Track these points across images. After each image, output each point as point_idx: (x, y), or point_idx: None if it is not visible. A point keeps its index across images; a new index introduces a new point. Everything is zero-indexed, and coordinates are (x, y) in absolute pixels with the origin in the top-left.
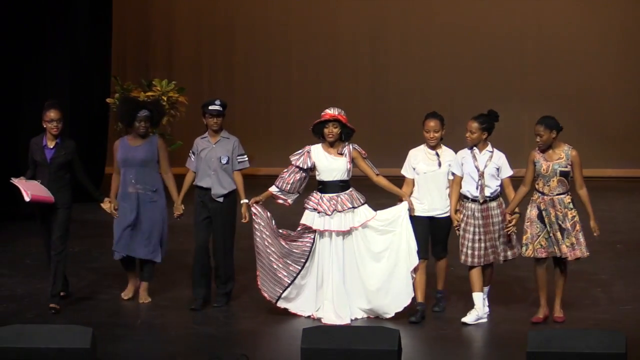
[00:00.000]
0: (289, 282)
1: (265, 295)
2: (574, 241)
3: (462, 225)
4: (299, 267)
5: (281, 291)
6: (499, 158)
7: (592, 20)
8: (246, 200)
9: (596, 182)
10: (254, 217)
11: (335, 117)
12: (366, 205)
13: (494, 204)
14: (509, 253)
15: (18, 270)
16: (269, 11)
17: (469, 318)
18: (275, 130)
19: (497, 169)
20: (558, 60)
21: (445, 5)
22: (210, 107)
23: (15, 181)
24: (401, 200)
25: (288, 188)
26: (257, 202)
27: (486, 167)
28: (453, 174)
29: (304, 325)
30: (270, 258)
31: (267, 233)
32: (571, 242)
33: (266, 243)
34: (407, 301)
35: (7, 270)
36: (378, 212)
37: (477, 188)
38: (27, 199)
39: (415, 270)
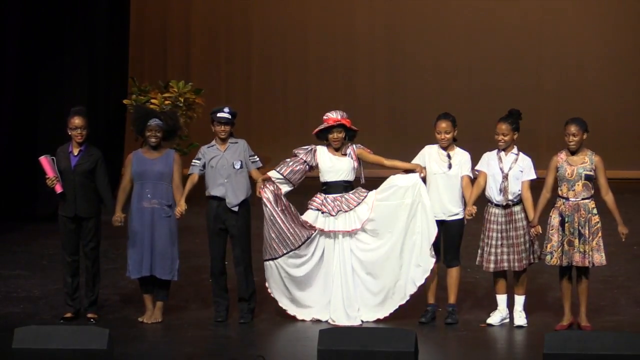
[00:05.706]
0: (269, 258)
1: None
2: (595, 246)
3: (484, 230)
4: (285, 251)
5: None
6: (524, 160)
7: (608, 20)
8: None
9: (612, 184)
10: (264, 200)
11: (339, 122)
12: (371, 193)
13: (517, 208)
14: (532, 256)
15: (35, 271)
16: (286, 12)
17: (493, 319)
18: (292, 131)
19: (522, 172)
20: (576, 60)
21: (462, 5)
22: (218, 115)
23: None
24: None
25: (289, 175)
26: (265, 185)
27: (511, 169)
28: (478, 171)
29: (320, 327)
30: (270, 231)
31: (275, 213)
32: (584, 249)
33: (272, 219)
34: (422, 279)
35: (24, 272)
36: (390, 177)
37: (500, 191)
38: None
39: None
